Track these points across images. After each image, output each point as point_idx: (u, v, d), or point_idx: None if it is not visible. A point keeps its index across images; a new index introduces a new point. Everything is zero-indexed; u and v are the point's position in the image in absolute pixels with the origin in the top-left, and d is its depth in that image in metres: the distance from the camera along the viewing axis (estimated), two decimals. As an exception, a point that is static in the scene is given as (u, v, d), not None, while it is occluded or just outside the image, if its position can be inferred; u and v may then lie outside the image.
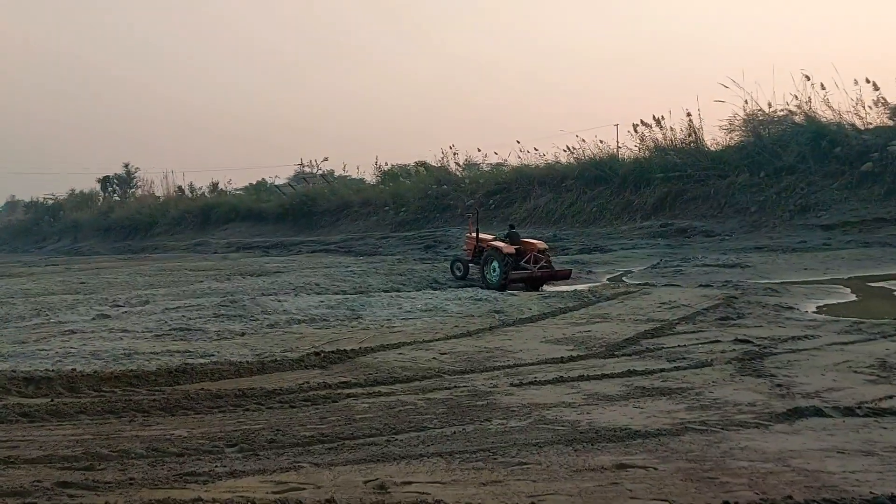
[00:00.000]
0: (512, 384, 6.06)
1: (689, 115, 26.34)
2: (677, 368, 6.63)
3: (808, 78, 23.87)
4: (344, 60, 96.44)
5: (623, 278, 17.19)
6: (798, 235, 21.51)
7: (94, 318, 10.42)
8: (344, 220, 37.82)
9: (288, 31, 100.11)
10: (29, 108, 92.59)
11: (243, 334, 9.00)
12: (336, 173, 47.63)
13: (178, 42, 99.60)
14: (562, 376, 6.27)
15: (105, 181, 55.97)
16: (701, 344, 7.89)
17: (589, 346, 7.91)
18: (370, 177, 41.40)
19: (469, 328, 9.31)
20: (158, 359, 7.11)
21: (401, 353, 7.52)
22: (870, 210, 21.15)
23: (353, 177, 43.89)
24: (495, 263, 14.91)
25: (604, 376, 6.29)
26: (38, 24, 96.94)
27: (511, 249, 14.94)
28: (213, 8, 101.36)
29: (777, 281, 14.77)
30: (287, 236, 38.84)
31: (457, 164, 34.70)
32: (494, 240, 15.89)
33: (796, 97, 24.42)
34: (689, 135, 26.50)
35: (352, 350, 7.53)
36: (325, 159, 48.04)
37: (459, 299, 11.96)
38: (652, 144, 27.36)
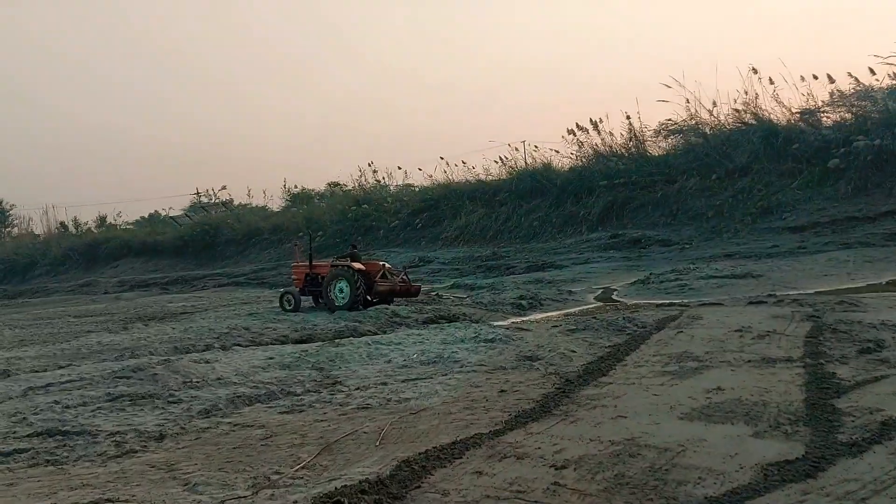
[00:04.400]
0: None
1: (628, 117, 23.89)
2: None
3: (755, 71, 21.81)
4: (234, 81, 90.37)
5: (614, 296, 14.07)
6: (766, 240, 19.15)
7: None
8: (252, 249, 33.34)
9: (172, 54, 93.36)
10: None
11: (162, 438, 5.04)
12: (237, 202, 42.90)
13: (52, 65, 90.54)
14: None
15: (-25, 221, 48.63)
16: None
17: (772, 422, 4.50)
18: (278, 202, 36.95)
19: (527, 393, 5.73)
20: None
21: (482, 474, 3.82)
22: (839, 209, 19.07)
23: (259, 204, 39.30)
24: (342, 283, 13.31)
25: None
26: None
27: (361, 267, 13.62)
28: (92, 32, 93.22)
29: (810, 291, 12.03)
30: (188, 270, 33.91)
31: (377, 181, 30.95)
32: (336, 260, 14.20)
33: (745, 93, 22.32)
34: (630, 139, 23.97)
35: (390, 476, 3.77)
36: (223, 187, 43.24)
37: (463, 341, 8.33)
38: (591, 151, 24.67)
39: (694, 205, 21.79)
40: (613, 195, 23.23)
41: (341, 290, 13.29)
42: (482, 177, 27.63)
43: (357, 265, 13.61)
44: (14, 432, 5.34)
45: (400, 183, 31.37)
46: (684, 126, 23.48)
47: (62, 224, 44.03)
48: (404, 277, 14.35)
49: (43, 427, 5.39)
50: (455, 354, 7.54)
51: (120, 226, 43.01)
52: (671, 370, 6.31)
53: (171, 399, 6.12)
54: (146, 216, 45.62)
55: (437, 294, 16.67)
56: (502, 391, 5.88)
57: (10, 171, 79.23)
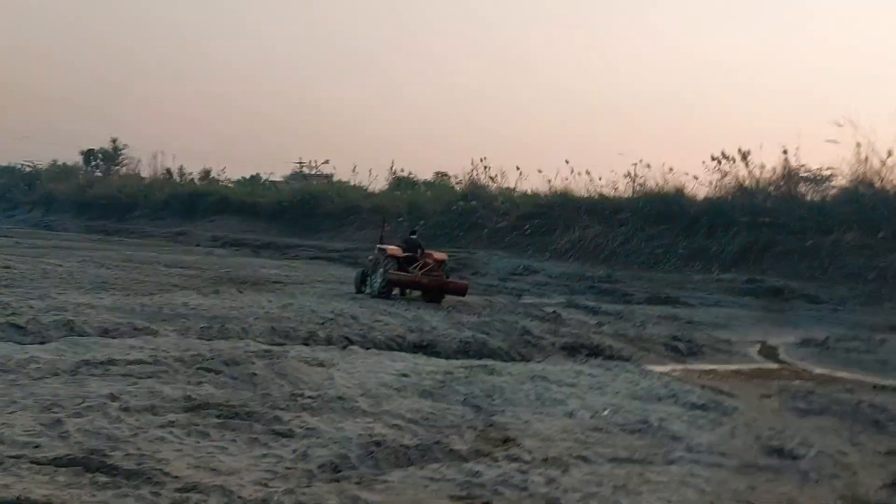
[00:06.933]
0: None
1: (785, 152, 20.71)
2: None
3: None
4: (353, 65, 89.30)
5: (782, 357, 11.30)
6: (944, 316, 15.83)
7: None
8: (349, 226, 31.51)
9: (298, 32, 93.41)
10: (17, 69, 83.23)
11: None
12: (338, 177, 41.30)
13: (185, 21, 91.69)
14: None
15: (89, 154, 48.88)
16: None
17: None
18: (381, 183, 34.98)
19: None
20: None
21: None
22: None
23: (361, 182, 37.45)
24: (381, 269, 12.25)
25: None
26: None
27: (396, 252, 12.40)
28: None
29: None
30: (282, 237, 32.44)
31: (490, 178, 28.56)
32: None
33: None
34: (783, 177, 20.83)
35: None
36: (326, 161, 41.57)
37: (660, 400, 5.87)
38: (734, 182, 21.64)
39: (850, 262, 18.52)
40: (755, 235, 20.14)
41: (379, 276, 12.29)
42: (604, 191, 24.87)
43: (391, 249, 12.46)
44: (37, 446, 3.26)
45: (512, 185, 28.88)
46: (851, 173, 20.20)
47: (168, 171, 43.59)
48: (437, 273, 12.62)
49: (82, 446, 3.29)
50: (667, 424, 5.10)
51: (222, 181, 42.25)
52: None
53: (277, 427, 3.93)
54: (248, 177, 44.79)
55: (554, 312, 14.16)
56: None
57: (130, 111, 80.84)
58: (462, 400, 5.17)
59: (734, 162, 21.68)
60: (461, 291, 12.79)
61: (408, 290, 12.88)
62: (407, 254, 12.74)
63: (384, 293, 12.05)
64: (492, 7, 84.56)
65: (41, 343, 5.91)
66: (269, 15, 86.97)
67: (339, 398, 4.74)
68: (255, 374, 4.93)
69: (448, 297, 13.01)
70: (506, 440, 4.39)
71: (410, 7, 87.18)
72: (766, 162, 21.38)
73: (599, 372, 6.84)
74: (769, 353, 11.69)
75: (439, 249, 16.90)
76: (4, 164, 55.12)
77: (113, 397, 4.10)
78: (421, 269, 12.40)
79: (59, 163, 50.82)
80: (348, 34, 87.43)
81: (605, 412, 5.24)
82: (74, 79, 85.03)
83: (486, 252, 24.91)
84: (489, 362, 6.69)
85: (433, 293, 12.51)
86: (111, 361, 4.95)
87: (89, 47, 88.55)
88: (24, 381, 4.35)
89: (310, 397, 4.64)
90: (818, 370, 10.23)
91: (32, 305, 7.80)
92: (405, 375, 5.66)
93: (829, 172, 20.64)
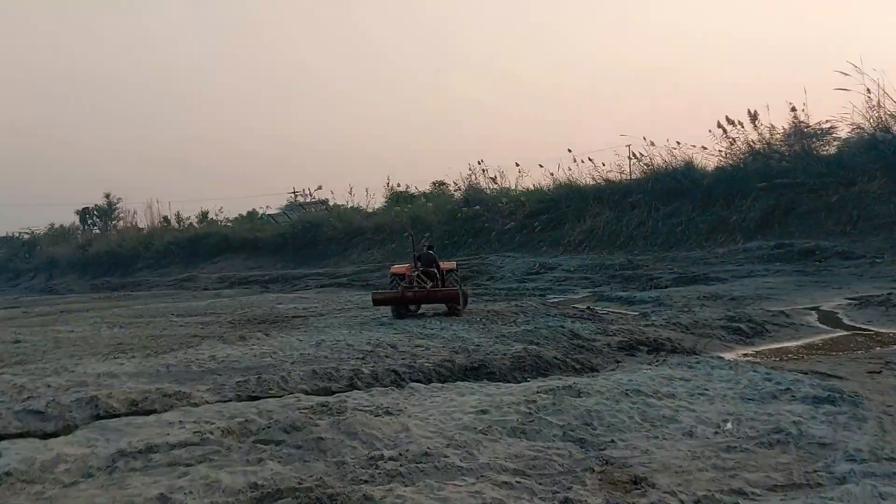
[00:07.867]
0: None
1: (793, 109, 19.97)
2: None
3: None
4: (335, 87, 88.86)
5: (846, 322, 10.53)
6: None
7: None
8: (354, 249, 30.78)
9: (275, 58, 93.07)
10: (4, 135, 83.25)
11: None
12: (334, 201, 40.56)
13: (162, 69, 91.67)
14: None
15: (84, 213, 48.17)
16: None
17: None
18: (379, 201, 34.29)
19: None
20: None
21: None
22: None
23: (359, 204, 36.76)
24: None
25: None
26: (16, 46, 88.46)
27: (399, 269, 12.39)
28: (199, 35, 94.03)
29: None
30: (288, 269, 31.71)
31: (491, 179, 27.83)
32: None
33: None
34: (794, 134, 20.07)
35: None
36: (319, 187, 40.88)
37: (775, 398, 5.10)
38: (745, 147, 20.87)
39: (880, 211, 17.79)
40: (775, 198, 19.39)
41: None
42: (611, 176, 24.13)
43: (394, 268, 12.64)
44: None
45: (513, 184, 28.11)
46: (866, 120, 19.46)
47: (165, 218, 42.87)
48: (425, 282, 11.97)
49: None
50: (805, 428, 4.32)
51: (221, 221, 41.48)
52: None
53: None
54: (245, 213, 44.05)
55: (588, 308, 13.43)
56: None
57: (119, 165, 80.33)
58: (560, 434, 4.39)
59: (742, 126, 20.96)
60: (453, 298, 11.93)
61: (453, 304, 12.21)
62: (422, 269, 12.21)
63: (394, 314, 11.70)
64: (471, 7, 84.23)
65: (66, 431, 5.14)
66: (250, 49, 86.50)
67: (425, 454, 3.96)
68: (321, 439, 4.15)
69: (485, 308, 12.30)
70: (636, 481, 3.62)
71: (381, 26, 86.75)
72: (775, 122, 20.69)
73: (689, 373, 6.05)
74: (830, 319, 10.92)
75: (449, 259, 16.19)
76: (3, 234, 54.41)
77: (164, 499, 3.32)
78: (408, 282, 11.78)
79: (57, 226, 50.14)
80: (328, 60, 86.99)
81: (728, 424, 4.46)
82: (62, 142, 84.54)
83: (498, 255, 24.16)
84: (569, 381, 5.87)
85: (447, 305, 12.04)
86: (151, 448, 4.17)
87: (70, 108, 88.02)
88: (52, 492, 3.58)
89: (392, 459, 3.87)
90: (890, 331, 9.47)
91: (50, 384, 7.00)
92: (484, 412, 4.87)
93: (839, 122, 19.88)
